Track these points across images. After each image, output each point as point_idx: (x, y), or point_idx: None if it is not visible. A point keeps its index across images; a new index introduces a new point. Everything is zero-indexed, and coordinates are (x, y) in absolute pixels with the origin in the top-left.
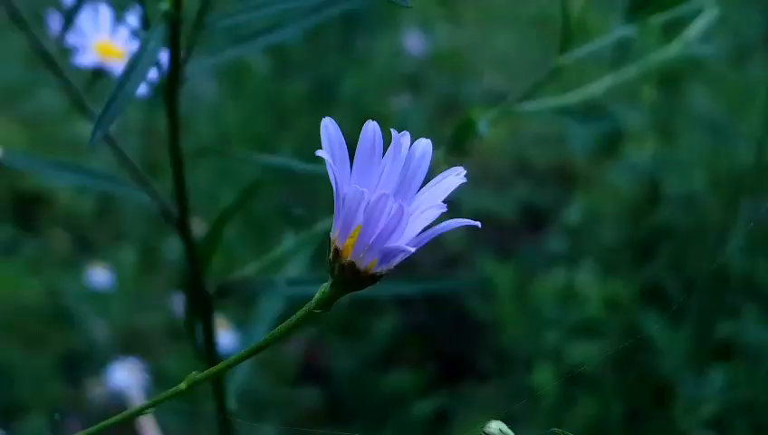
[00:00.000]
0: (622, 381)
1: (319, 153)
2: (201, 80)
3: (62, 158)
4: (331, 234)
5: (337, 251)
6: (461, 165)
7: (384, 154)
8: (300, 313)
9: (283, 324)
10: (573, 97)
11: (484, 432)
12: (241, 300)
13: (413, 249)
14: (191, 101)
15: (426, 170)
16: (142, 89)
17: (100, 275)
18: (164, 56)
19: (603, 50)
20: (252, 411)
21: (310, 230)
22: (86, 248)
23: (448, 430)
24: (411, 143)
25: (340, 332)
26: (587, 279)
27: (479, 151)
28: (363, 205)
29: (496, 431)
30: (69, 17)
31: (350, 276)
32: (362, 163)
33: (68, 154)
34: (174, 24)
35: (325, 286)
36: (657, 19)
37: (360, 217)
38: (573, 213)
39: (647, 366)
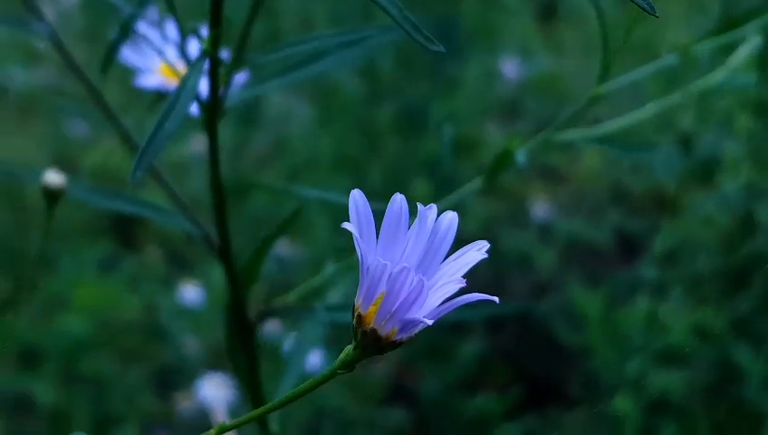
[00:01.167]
0: (711, 412)
1: (345, 226)
2: (295, 102)
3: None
4: (355, 300)
5: (360, 317)
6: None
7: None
8: (325, 373)
9: (310, 381)
10: (614, 125)
11: None
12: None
13: (431, 322)
14: (286, 122)
15: (450, 243)
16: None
17: (192, 292)
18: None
19: (647, 78)
20: (338, 430)
21: (350, 258)
22: (180, 265)
23: None
24: (439, 214)
25: (429, 354)
26: (673, 307)
27: (573, 178)
28: (386, 276)
29: None
30: (127, 35)
31: (371, 342)
32: (389, 235)
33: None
34: (213, 60)
35: (348, 349)
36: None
37: (382, 287)
38: (663, 241)
39: (738, 398)
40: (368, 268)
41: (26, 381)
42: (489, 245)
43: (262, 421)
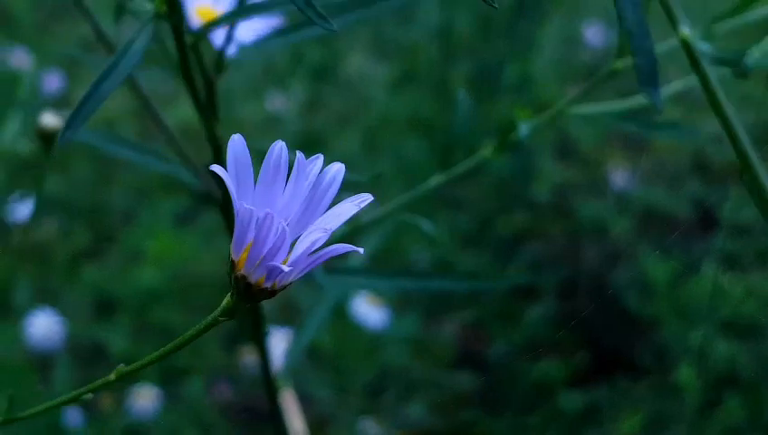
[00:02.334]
0: None
1: (213, 168)
2: (372, 62)
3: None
4: (231, 247)
5: (233, 263)
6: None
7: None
8: (207, 320)
9: (192, 330)
10: (633, 102)
11: None
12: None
13: (287, 269)
14: (361, 82)
15: (333, 194)
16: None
17: None
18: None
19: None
20: (403, 392)
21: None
22: None
23: (599, 423)
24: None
25: (498, 318)
26: (742, 278)
27: (654, 148)
28: (254, 222)
29: None
30: None
31: (243, 289)
32: (266, 183)
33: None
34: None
35: (228, 296)
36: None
37: (252, 234)
38: (733, 211)
39: None
40: (237, 213)
41: (101, 331)
42: (372, 198)
43: (268, 378)
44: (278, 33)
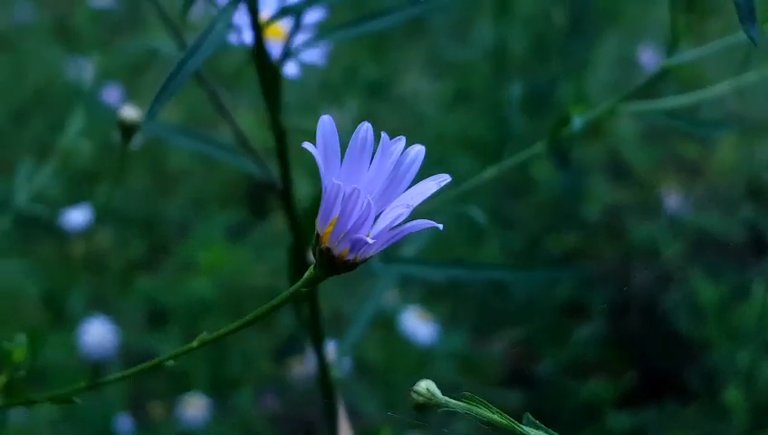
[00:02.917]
0: None
1: (305, 145)
2: (423, 79)
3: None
4: (316, 220)
5: (318, 237)
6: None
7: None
8: (291, 289)
9: (276, 299)
10: (686, 99)
11: (413, 390)
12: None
13: (371, 241)
14: (415, 99)
15: (413, 174)
16: (293, 70)
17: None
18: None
19: (717, 54)
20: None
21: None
22: None
23: None
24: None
25: (547, 336)
26: None
27: (708, 172)
28: (340, 197)
29: (424, 390)
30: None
31: (326, 261)
32: (353, 161)
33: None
34: (251, 8)
35: (311, 268)
36: None
37: (338, 208)
38: None
39: None
40: (325, 189)
41: (153, 340)
42: (450, 178)
43: (323, 366)
44: (333, 29)
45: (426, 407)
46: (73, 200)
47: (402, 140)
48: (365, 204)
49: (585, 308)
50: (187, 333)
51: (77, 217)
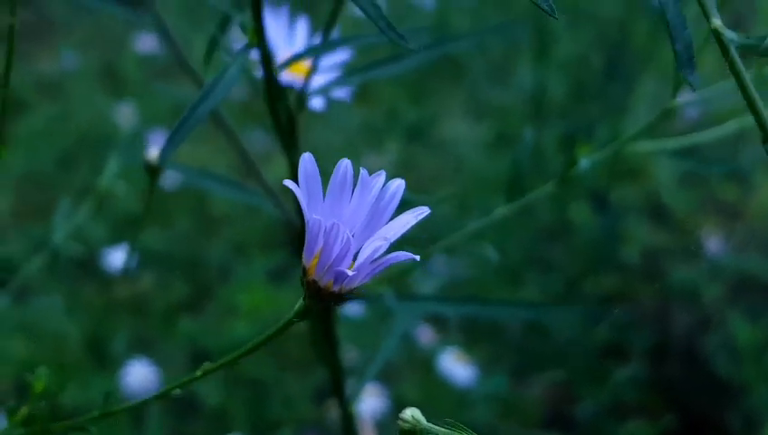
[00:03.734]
0: None
1: (286, 183)
2: (463, 123)
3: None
4: (303, 254)
5: (304, 269)
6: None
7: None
8: (283, 321)
9: (269, 330)
10: (694, 139)
11: (400, 418)
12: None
13: (351, 273)
14: (455, 143)
15: (393, 207)
16: (319, 104)
17: (354, 306)
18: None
19: (722, 94)
20: None
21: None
22: None
23: None
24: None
25: (586, 378)
26: None
27: (748, 216)
28: (322, 231)
29: (409, 417)
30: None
31: (314, 292)
32: (334, 197)
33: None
34: (262, 52)
35: (301, 299)
36: None
37: (321, 242)
38: None
39: None
40: (307, 224)
41: (195, 382)
42: (429, 210)
43: (342, 401)
44: (360, 69)
45: (412, 433)
46: (117, 243)
47: (382, 175)
48: (345, 238)
49: (624, 350)
50: (228, 375)
51: (120, 259)
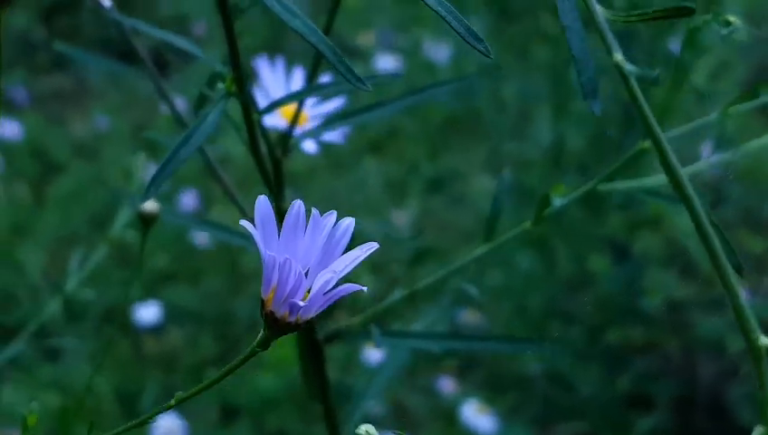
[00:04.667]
0: None
1: (242, 223)
2: (483, 177)
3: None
4: (261, 288)
5: (263, 302)
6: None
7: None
8: (247, 351)
9: (236, 361)
10: (661, 179)
11: (356, 433)
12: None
13: (303, 304)
14: (477, 196)
15: (344, 245)
16: (311, 147)
17: (376, 353)
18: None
19: (694, 132)
20: None
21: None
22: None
23: None
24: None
25: (608, 428)
26: None
27: None
28: (276, 266)
29: (363, 432)
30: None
31: (272, 323)
32: (287, 236)
33: None
34: (242, 102)
35: (261, 330)
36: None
37: (276, 277)
38: None
39: None
40: (263, 259)
41: None
42: (377, 246)
43: None
44: (346, 114)
45: None
46: (147, 299)
47: (333, 215)
48: (297, 272)
49: (649, 401)
50: (256, 428)
51: (150, 314)
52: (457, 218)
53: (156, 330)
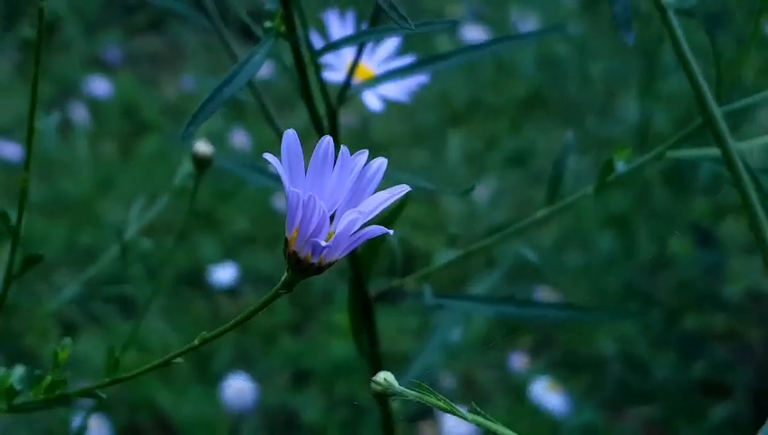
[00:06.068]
0: None
1: (265, 156)
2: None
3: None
4: (285, 226)
5: (286, 241)
6: None
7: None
8: (271, 293)
9: (259, 302)
10: (738, 146)
11: (372, 381)
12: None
13: (325, 244)
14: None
15: (376, 184)
16: (374, 103)
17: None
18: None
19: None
20: None
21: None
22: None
23: None
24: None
25: (681, 414)
26: None
27: None
28: (300, 203)
29: (382, 380)
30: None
31: (294, 264)
32: (315, 173)
33: None
34: (293, 43)
35: (286, 271)
36: None
37: (300, 214)
38: None
39: None
40: (287, 195)
41: (293, 400)
42: (408, 188)
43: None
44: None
45: (383, 395)
46: (226, 260)
47: (365, 154)
48: (321, 210)
49: (725, 390)
50: (326, 394)
51: (227, 276)
52: (537, 194)
53: (232, 292)
